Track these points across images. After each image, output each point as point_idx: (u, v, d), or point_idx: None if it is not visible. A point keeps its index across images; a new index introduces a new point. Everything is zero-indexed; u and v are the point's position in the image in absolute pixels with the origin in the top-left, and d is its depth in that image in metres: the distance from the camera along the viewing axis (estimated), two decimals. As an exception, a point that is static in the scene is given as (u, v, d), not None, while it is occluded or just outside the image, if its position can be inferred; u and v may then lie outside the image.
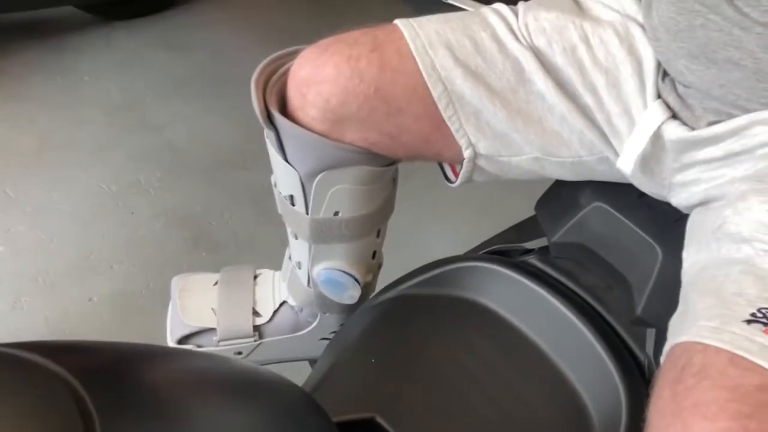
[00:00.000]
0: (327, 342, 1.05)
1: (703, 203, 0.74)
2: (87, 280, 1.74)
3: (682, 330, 0.58)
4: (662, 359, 0.59)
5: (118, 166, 2.09)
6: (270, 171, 0.94)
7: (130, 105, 2.35)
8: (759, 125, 0.68)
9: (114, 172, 2.06)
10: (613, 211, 0.85)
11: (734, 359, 0.52)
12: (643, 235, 0.82)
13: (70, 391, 0.44)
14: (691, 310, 0.60)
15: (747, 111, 0.69)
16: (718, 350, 0.53)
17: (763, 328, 0.53)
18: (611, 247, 0.85)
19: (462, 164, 0.85)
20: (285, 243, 1.05)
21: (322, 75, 0.79)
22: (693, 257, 0.67)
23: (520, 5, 0.84)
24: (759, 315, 0.54)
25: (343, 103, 0.79)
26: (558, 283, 0.89)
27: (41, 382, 0.44)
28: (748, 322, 0.54)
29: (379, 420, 0.79)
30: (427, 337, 0.89)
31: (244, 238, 1.89)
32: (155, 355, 0.57)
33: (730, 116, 0.71)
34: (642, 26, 0.79)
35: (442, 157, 0.88)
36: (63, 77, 2.45)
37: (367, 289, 1.03)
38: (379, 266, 1.07)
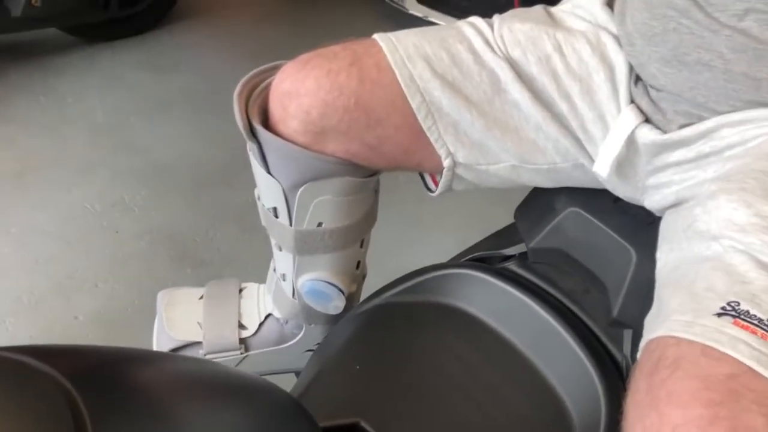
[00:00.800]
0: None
1: (675, 205, 0.76)
2: (72, 299, 1.73)
3: (656, 326, 0.60)
4: (638, 354, 0.61)
5: (102, 185, 2.09)
6: (253, 188, 0.95)
7: (114, 125, 2.35)
8: (726, 128, 0.71)
9: (98, 192, 2.06)
10: (588, 215, 0.87)
11: (705, 350, 0.54)
12: (618, 238, 0.84)
13: (62, 392, 0.45)
14: (664, 306, 0.62)
15: (716, 112, 0.72)
16: (691, 343, 0.55)
17: (732, 320, 0.55)
18: (587, 251, 0.87)
19: (442, 174, 0.87)
20: (269, 259, 1.06)
21: (302, 88, 0.81)
22: (665, 257, 0.69)
23: (495, 18, 0.86)
24: (728, 308, 0.56)
25: (324, 116, 0.81)
26: (537, 287, 0.91)
27: (34, 383, 0.45)
28: (719, 315, 0.55)
29: (364, 425, 0.79)
30: (410, 343, 0.91)
31: (228, 255, 1.89)
32: (145, 358, 0.58)
33: (701, 119, 0.73)
34: (613, 35, 0.82)
35: (422, 166, 0.90)
36: (46, 98, 2.45)
37: (351, 299, 1.04)
38: (363, 276, 1.08)
